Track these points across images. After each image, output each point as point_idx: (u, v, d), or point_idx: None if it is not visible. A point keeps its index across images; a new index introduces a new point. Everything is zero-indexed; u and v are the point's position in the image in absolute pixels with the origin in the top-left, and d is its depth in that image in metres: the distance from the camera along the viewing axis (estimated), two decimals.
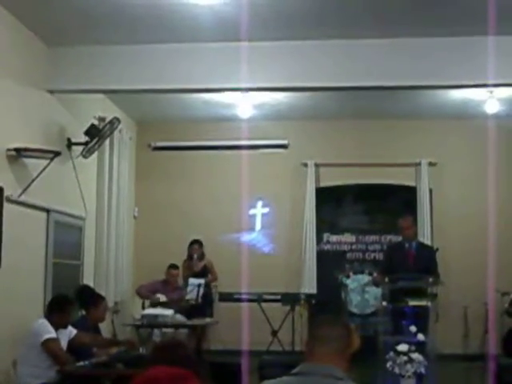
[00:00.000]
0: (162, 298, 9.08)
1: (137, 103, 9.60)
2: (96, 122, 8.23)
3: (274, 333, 9.07)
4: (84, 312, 6.47)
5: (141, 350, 6.15)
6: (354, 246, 10.55)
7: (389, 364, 6.53)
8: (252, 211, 10.51)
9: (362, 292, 9.91)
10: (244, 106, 9.30)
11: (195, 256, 9.66)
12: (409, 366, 6.45)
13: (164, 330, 8.48)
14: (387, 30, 6.82)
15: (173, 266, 9.46)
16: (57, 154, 6.87)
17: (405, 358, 6.47)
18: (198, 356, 3.37)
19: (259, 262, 9.84)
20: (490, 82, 7.06)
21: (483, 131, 9.19)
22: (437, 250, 8.11)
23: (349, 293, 9.94)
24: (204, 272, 9.65)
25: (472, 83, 7.29)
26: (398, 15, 6.48)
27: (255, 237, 10.52)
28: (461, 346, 9.72)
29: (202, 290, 8.99)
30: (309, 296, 9.50)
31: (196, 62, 7.15)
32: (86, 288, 7.38)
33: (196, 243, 9.74)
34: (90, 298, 6.56)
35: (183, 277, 9.58)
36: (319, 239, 10.47)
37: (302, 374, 2.60)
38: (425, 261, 7.67)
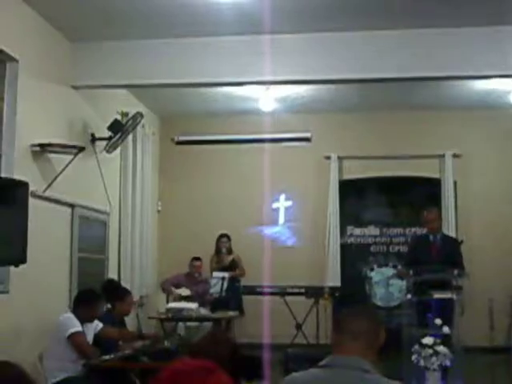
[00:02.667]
0: (186, 291, 9.11)
1: (160, 98, 9.63)
2: (119, 117, 8.29)
3: (299, 326, 9.06)
4: (110, 306, 6.51)
5: (166, 343, 6.18)
6: (377, 239, 10.50)
7: (414, 357, 6.50)
8: (275, 205, 10.51)
9: (387, 285, 9.88)
10: (266, 99, 9.29)
11: (224, 250, 9.70)
12: (434, 358, 6.41)
13: (188, 323, 8.52)
14: (411, 20, 6.77)
15: (196, 259, 9.51)
16: (81, 149, 6.92)
17: (430, 350, 6.44)
18: (235, 350, 3.34)
19: (283, 255, 9.84)
20: None
21: (508, 122, 9.10)
22: (461, 242, 8.05)
23: (373, 286, 9.93)
24: (232, 266, 9.69)
25: (496, 74, 7.21)
26: (422, 6, 6.43)
27: (279, 230, 10.52)
28: (486, 339, 9.64)
29: (225, 284, 9.02)
30: (333, 289, 9.46)
31: (218, 55, 7.15)
32: (112, 282, 7.42)
33: (224, 237, 9.80)
34: (115, 292, 6.59)
35: (211, 271, 9.61)
36: (343, 232, 10.43)
37: (329, 366, 2.60)
38: (449, 253, 7.61)
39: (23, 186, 5.48)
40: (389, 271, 9.97)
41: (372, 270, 10.09)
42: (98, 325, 5.80)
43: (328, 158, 10.42)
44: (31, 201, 5.82)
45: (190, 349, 3.47)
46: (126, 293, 6.66)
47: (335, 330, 2.74)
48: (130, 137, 8.66)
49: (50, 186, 6.68)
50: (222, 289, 8.95)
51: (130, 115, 8.15)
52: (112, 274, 8.34)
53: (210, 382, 3.00)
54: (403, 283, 8.33)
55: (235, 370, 3.16)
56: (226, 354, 3.18)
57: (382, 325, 2.76)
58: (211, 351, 3.17)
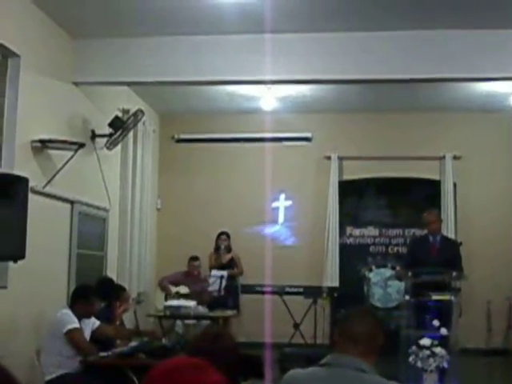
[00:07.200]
0: (184, 289, 9.11)
1: (160, 95, 9.63)
2: (120, 114, 8.29)
3: (296, 325, 9.07)
4: (106, 304, 6.49)
5: (163, 340, 6.19)
6: (377, 240, 10.49)
7: (411, 358, 6.51)
8: (275, 204, 10.50)
9: (385, 286, 9.87)
10: (268, 98, 9.28)
11: (222, 247, 9.72)
12: (431, 360, 6.42)
13: (186, 321, 8.53)
14: (411, 22, 6.76)
15: (194, 258, 9.52)
16: (81, 145, 6.92)
17: (427, 352, 6.44)
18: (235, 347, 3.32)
19: (282, 254, 9.83)
20: None
21: (508, 124, 9.08)
22: (460, 243, 8.05)
23: (371, 286, 9.91)
24: (230, 265, 9.70)
25: (498, 76, 7.21)
26: (423, 7, 6.43)
27: (278, 229, 10.52)
28: (484, 341, 9.65)
29: (224, 282, 9.01)
30: (331, 289, 9.47)
31: (220, 54, 7.15)
32: (105, 281, 7.32)
33: (224, 234, 9.82)
34: (111, 292, 6.57)
35: (209, 269, 9.61)
36: (342, 232, 10.43)
37: (330, 364, 2.61)
38: (448, 255, 7.60)
39: (23, 181, 5.48)
40: (387, 272, 9.96)
41: (371, 270, 10.08)
42: (95, 322, 5.80)
43: (328, 158, 10.41)
44: (31, 196, 5.83)
45: (189, 345, 3.46)
46: (121, 291, 6.64)
47: (336, 332, 2.75)
48: (131, 134, 8.65)
49: (49, 181, 6.68)
50: (220, 287, 8.95)
51: (131, 112, 8.16)
52: (110, 271, 8.34)
53: (200, 380, 2.99)
54: (401, 284, 8.32)
55: (234, 367, 3.15)
56: (225, 351, 3.18)
57: (381, 328, 2.77)
58: (210, 348, 3.16)
